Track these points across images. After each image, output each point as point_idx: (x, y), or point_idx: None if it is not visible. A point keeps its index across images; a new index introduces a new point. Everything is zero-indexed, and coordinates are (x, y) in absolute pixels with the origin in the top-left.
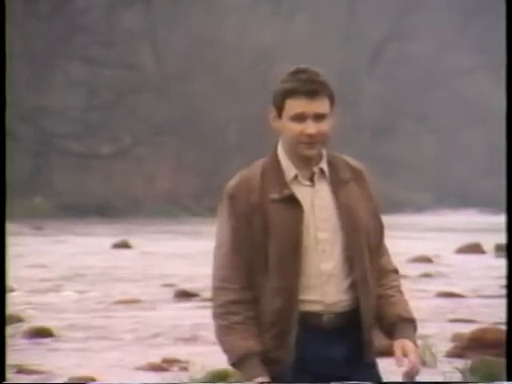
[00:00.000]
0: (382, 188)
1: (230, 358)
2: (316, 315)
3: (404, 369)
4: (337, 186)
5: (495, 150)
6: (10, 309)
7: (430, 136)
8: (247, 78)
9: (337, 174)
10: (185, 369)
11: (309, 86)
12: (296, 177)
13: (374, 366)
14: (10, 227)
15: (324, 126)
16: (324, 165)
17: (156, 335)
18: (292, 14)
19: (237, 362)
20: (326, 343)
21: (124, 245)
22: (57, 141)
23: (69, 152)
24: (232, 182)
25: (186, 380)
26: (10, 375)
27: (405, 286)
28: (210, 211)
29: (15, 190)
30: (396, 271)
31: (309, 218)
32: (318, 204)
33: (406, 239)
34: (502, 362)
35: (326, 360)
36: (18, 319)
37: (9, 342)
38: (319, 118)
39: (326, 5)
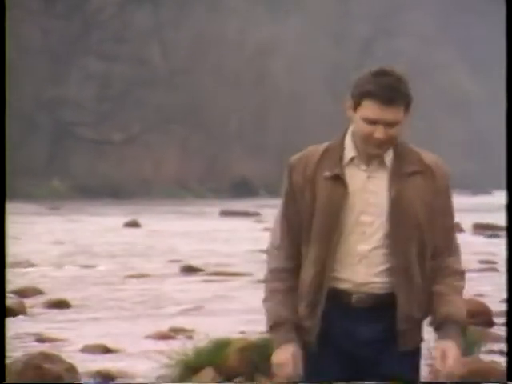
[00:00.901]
0: None
1: (267, 322)
2: (346, 293)
3: (441, 371)
4: (396, 176)
5: (472, 137)
6: (30, 282)
7: (413, 124)
8: (246, 72)
9: (401, 165)
10: (190, 337)
11: (388, 93)
12: (353, 159)
13: (409, 355)
14: (29, 207)
15: (394, 132)
16: (388, 154)
17: (163, 306)
18: (288, 14)
19: (272, 326)
20: (354, 321)
21: (134, 224)
22: (73, 128)
23: (84, 139)
24: (295, 156)
25: (190, 347)
26: (29, 343)
27: None
28: (213, 193)
29: (35, 173)
30: (462, 273)
31: (355, 199)
32: (369, 188)
33: None
34: (480, 330)
35: (350, 337)
36: (38, 291)
37: (29, 312)
38: (391, 124)
39: (319, 5)
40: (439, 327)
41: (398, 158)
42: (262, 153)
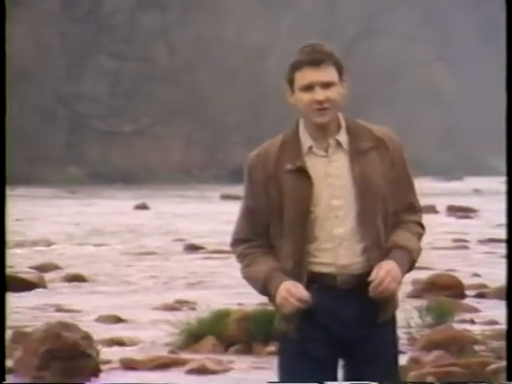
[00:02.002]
0: None
1: (257, 285)
2: (330, 276)
3: (372, 283)
4: (355, 155)
5: (446, 129)
6: (50, 258)
7: (393, 118)
8: (244, 70)
9: (356, 143)
10: (193, 308)
11: (312, 55)
12: (311, 148)
13: (388, 325)
14: (49, 192)
15: (332, 93)
16: (342, 136)
17: (169, 281)
18: (282, 16)
19: (265, 282)
20: (340, 302)
21: (143, 206)
22: (88, 121)
23: (97, 130)
24: (252, 153)
25: (193, 317)
26: (49, 314)
27: None
28: (214, 179)
29: (53, 161)
30: (420, 224)
31: (321, 186)
32: (332, 173)
33: None
34: (453, 302)
35: (337, 317)
36: (56, 267)
37: (49, 286)
38: (327, 85)
39: (310, 8)
40: (386, 254)
41: (352, 137)
42: (259, 143)
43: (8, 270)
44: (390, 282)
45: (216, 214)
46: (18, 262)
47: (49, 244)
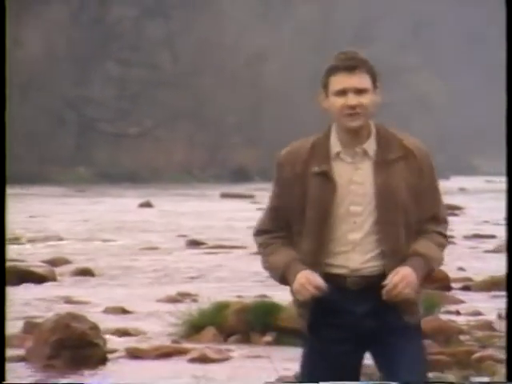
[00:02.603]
0: None
1: (276, 274)
2: (340, 277)
3: (386, 286)
4: (380, 165)
5: (435, 132)
6: (60, 253)
7: (385, 121)
8: (244, 74)
9: (384, 153)
10: (194, 300)
11: (348, 62)
12: (338, 154)
13: (411, 328)
14: (59, 191)
15: (365, 100)
16: (370, 144)
17: (172, 275)
18: (279, 23)
19: (284, 271)
20: (350, 301)
21: (147, 204)
22: (96, 124)
23: (105, 132)
24: (283, 151)
25: (195, 309)
26: (59, 305)
27: None
28: (214, 178)
29: (63, 162)
30: (444, 235)
31: (343, 192)
32: (356, 180)
33: None
34: (440, 294)
35: (349, 313)
36: (66, 261)
37: (59, 279)
38: (360, 91)
39: (306, 16)
40: (404, 260)
41: (381, 146)
42: (257, 144)
43: (21, 264)
44: (403, 287)
45: (216, 212)
46: (30, 256)
47: (59, 239)
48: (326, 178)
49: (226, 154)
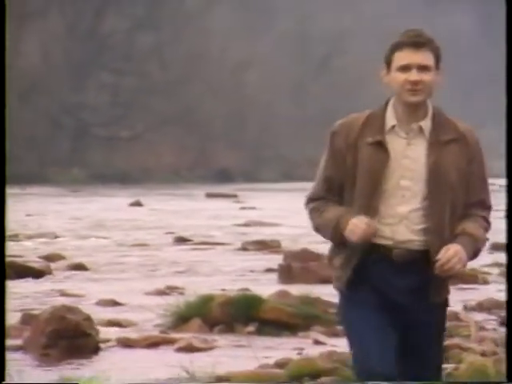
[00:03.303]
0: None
1: (328, 228)
2: (386, 248)
3: (439, 260)
4: (434, 144)
5: None
6: (55, 249)
7: None
8: (228, 82)
9: (438, 133)
10: (181, 293)
11: (414, 38)
12: (393, 127)
13: (438, 307)
14: (55, 191)
15: (427, 77)
16: (426, 123)
17: (160, 269)
18: (261, 36)
19: (337, 223)
20: (393, 272)
21: (137, 203)
22: (90, 128)
23: (98, 136)
24: (338, 122)
25: (182, 301)
26: (54, 298)
27: None
28: (200, 179)
29: (59, 164)
30: (487, 220)
31: (395, 165)
32: (408, 155)
33: None
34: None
35: (388, 284)
36: (61, 257)
37: (55, 273)
38: (423, 68)
39: (285, 29)
40: (454, 239)
41: (436, 126)
42: (240, 147)
43: (19, 260)
44: (455, 262)
45: (202, 211)
46: (28, 252)
47: (55, 237)
48: (380, 148)
49: (211, 156)
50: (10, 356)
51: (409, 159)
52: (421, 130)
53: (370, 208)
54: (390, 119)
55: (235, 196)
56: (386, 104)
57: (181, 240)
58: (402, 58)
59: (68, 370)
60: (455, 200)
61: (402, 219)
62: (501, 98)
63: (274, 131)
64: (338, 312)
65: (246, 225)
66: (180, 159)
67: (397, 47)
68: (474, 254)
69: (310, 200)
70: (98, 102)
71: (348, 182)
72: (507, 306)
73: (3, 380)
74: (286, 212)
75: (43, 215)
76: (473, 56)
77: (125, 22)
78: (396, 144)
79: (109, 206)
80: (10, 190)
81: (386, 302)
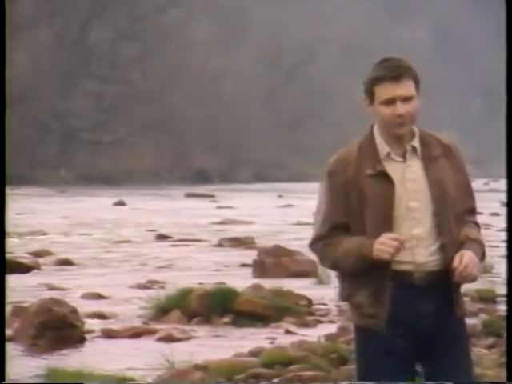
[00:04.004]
0: (293, 163)
1: (350, 257)
2: (408, 273)
3: (457, 269)
4: (428, 161)
5: None
6: (43, 246)
7: (327, 129)
8: (205, 90)
9: (428, 150)
10: (162, 287)
11: (394, 71)
12: (389, 154)
13: (462, 320)
14: (43, 191)
15: (411, 107)
16: (416, 143)
17: (143, 264)
18: (236, 48)
19: (359, 249)
20: (417, 298)
21: (121, 203)
22: (76, 133)
23: (84, 140)
24: (331, 160)
25: (162, 294)
26: (42, 291)
27: None
28: (179, 180)
29: (48, 165)
30: (478, 224)
31: (400, 190)
32: (409, 177)
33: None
34: None
35: (416, 313)
36: (49, 253)
37: (43, 269)
38: (407, 99)
39: (260, 40)
40: (461, 246)
41: (424, 144)
42: (217, 150)
43: (9, 256)
44: (472, 268)
45: (181, 210)
46: (18, 248)
47: (43, 234)
48: (383, 177)
49: (189, 159)
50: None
51: (410, 181)
52: (414, 149)
53: None
54: (383, 146)
55: (212, 196)
56: (372, 132)
57: (161, 237)
58: (385, 91)
59: (55, 359)
60: (456, 211)
61: (419, 241)
62: (459, 103)
63: (249, 135)
64: (358, 352)
65: (222, 223)
66: (160, 162)
67: (378, 81)
68: (481, 259)
69: (316, 241)
70: (83, 108)
71: (355, 217)
72: (507, 306)
73: (3, 380)
74: (259, 211)
75: (32, 214)
76: (432, 64)
77: (109, 33)
78: (395, 169)
79: (94, 206)
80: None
81: (414, 333)
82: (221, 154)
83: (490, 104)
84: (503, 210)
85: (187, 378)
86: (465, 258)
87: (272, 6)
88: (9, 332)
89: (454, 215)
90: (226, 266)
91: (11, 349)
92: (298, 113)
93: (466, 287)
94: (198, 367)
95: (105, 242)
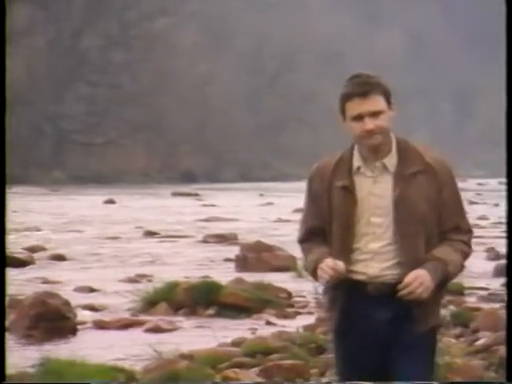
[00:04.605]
0: (279, 165)
1: (310, 271)
2: (361, 283)
3: (404, 286)
4: (399, 178)
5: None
6: (38, 241)
7: (310, 132)
8: (193, 94)
9: (403, 167)
10: (150, 280)
11: (361, 87)
12: (359, 168)
13: (425, 336)
14: (38, 190)
15: (380, 121)
16: (391, 158)
17: (131, 259)
18: (222, 53)
19: (315, 266)
20: (370, 306)
21: (111, 201)
22: (68, 135)
23: (77, 142)
24: (314, 167)
25: (150, 287)
26: (37, 285)
27: None
28: (167, 179)
29: (42, 166)
30: (465, 243)
31: (363, 204)
32: (376, 193)
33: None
34: None
35: (370, 318)
36: (43, 248)
37: (37, 263)
38: (375, 114)
39: (243, 47)
40: (421, 264)
41: (401, 160)
42: (202, 152)
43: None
44: (416, 286)
45: (168, 207)
46: (13, 244)
47: (37, 230)
48: (348, 192)
49: (177, 159)
50: None
51: (376, 197)
52: (385, 166)
53: (345, 249)
54: (356, 160)
55: (197, 195)
56: (352, 145)
57: (149, 234)
58: (353, 108)
59: (49, 349)
60: (428, 230)
61: (374, 255)
62: (428, 107)
63: (233, 137)
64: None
65: (207, 220)
66: (149, 162)
67: (347, 98)
68: (445, 278)
69: (299, 241)
70: (76, 111)
71: (326, 224)
72: (507, 306)
73: (3, 380)
74: (242, 209)
75: (27, 211)
76: (404, 69)
77: (100, 40)
78: (363, 184)
79: (85, 204)
80: None
81: (369, 339)
82: (206, 154)
83: (458, 108)
84: (471, 209)
85: (174, 366)
86: (409, 277)
87: (255, 16)
88: (5, 323)
89: (425, 234)
90: (210, 261)
91: (7, 339)
92: (279, 116)
93: None
94: (183, 356)
95: (96, 238)
